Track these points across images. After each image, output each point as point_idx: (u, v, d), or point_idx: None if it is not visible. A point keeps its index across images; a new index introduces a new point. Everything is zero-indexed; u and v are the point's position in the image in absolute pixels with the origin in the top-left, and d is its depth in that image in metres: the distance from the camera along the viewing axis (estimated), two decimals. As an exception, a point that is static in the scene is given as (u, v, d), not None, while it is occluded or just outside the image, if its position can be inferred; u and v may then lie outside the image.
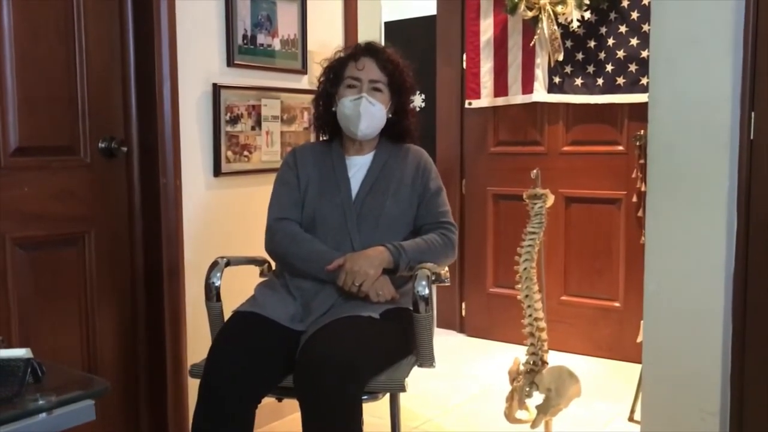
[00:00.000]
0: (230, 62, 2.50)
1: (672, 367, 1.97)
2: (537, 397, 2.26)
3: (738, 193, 1.83)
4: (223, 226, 2.51)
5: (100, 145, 2.25)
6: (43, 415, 1.04)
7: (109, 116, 2.28)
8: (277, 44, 2.67)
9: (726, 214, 1.86)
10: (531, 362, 2.25)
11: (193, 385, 2.19)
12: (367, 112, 2.00)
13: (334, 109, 2.08)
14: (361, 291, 1.86)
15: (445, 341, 3.83)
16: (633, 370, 3.00)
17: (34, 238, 2.11)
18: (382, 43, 2.19)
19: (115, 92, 2.30)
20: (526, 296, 2.22)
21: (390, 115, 2.08)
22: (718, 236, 1.88)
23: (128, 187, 2.34)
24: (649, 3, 3.16)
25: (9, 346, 1.57)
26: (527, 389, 2.25)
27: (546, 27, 3.42)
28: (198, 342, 2.32)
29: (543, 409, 2.23)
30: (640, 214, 3.34)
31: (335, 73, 2.09)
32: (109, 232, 2.30)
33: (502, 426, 2.37)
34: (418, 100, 4.83)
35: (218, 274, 2.02)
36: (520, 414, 2.30)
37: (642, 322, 2.06)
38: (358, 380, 1.71)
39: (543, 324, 2.23)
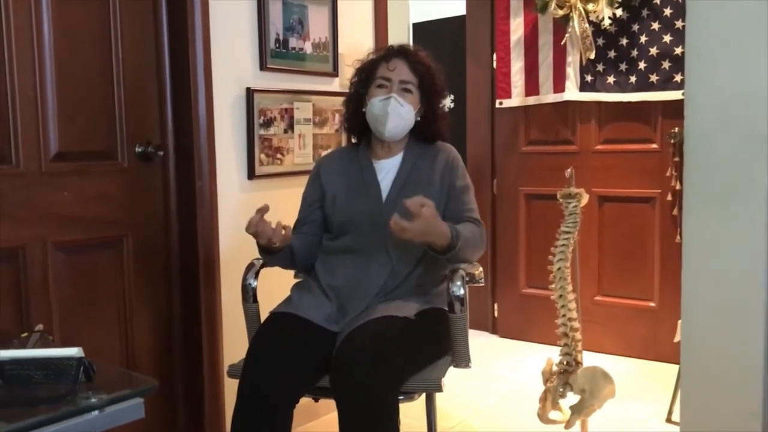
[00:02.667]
0: (263, 66, 2.52)
1: (711, 366, 1.94)
2: (571, 398, 2.24)
3: (777, 190, 1.80)
4: (257, 228, 2.53)
5: (137, 149, 2.30)
6: (96, 412, 1.07)
7: (145, 121, 2.32)
8: (308, 47, 2.69)
9: (765, 210, 1.83)
10: (565, 363, 2.23)
11: (229, 385, 2.22)
12: (395, 112, 2.00)
13: (364, 109, 2.08)
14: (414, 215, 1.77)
15: (477, 342, 3.81)
16: (668, 370, 2.97)
17: (74, 242, 2.16)
18: (411, 45, 2.19)
19: (151, 98, 2.34)
20: (560, 296, 2.21)
21: (419, 118, 2.08)
22: (757, 233, 1.84)
23: (164, 191, 2.38)
24: (682, -1, 3.13)
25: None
26: (561, 390, 2.24)
27: (577, 25, 3.39)
28: (233, 342, 2.35)
29: (577, 410, 2.21)
30: (675, 212, 3.31)
31: (367, 74, 2.09)
32: (146, 234, 2.34)
33: (536, 427, 2.36)
34: (447, 101, 4.82)
35: (254, 276, 2.04)
36: (553, 415, 2.28)
37: (679, 321, 2.04)
38: (394, 380, 1.72)
39: (577, 324, 2.22)
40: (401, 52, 2.07)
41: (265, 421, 1.71)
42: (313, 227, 2.09)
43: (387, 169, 2.07)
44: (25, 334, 1.50)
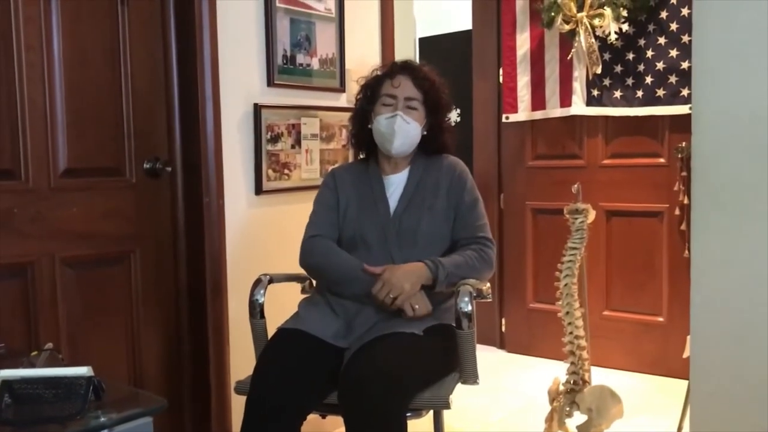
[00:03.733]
0: (270, 82, 2.54)
1: (721, 383, 1.93)
2: (578, 418, 2.23)
3: (786, 206, 1.79)
4: (264, 244, 2.54)
5: (145, 165, 2.31)
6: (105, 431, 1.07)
7: (153, 137, 2.33)
8: (315, 63, 2.70)
9: (774, 226, 1.82)
10: (571, 381, 2.22)
11: (236, 402, 2.22)
12: (401, 130, 2.02)
13: (370, 126, 2.10)
14: (395, 304, 1.86)
15: (484, 357, 3.78)
16: (677, 385, 2.95)
17: (83, 257, 2.17)
18: (417, 60, 2.20)
19: (159, 114, 2.35)
20: (567, 313, 2.20)
21: (425, 132, 2.09)
22: (766, 248, 1.84)
23: (172, 206, 2.39)
24: (688, 14, 3.13)
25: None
26: (567, 409, 2.23)
27: (583, 40, 3.40)
28: (241, 359, 2.34)
29: (584, 430, 2.20)
30: (683, 227, 3.30)
31: (372, 91, 2.11)
32: (154, 250, 2.35)
33: (545, 443, 2.35)
34: (453, 115, 4.83)
35: (262, 291, 2.04)
36: (561, 433, 2.27)
37: (688, 337, 2.03)
38: (402, 397, 1.71)
39: (584, 342, 2.21)
40: (405, 68, 2.08)
41: (273, 437, 1.71)
42: (334, 231, 2.07)
43: (395, 185, 2.09)
44: (35, 353, 1.51)
